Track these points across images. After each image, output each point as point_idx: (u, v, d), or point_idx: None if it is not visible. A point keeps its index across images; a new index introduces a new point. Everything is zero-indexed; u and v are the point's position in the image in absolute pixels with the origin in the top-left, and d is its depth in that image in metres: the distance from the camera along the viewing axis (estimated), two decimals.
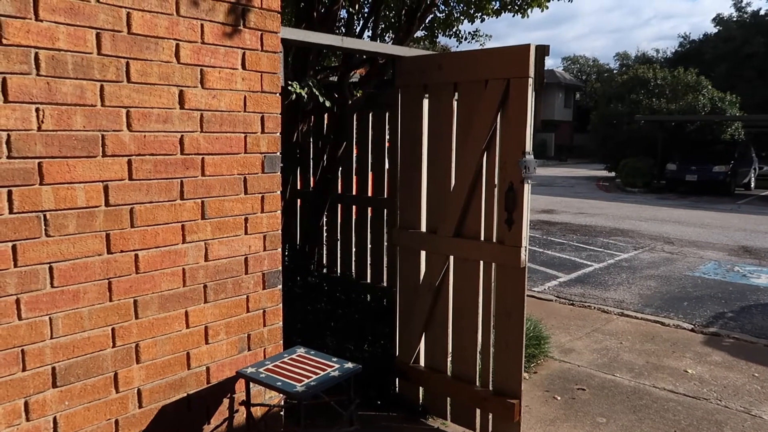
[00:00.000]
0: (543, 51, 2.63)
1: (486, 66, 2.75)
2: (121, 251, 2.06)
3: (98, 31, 1.92)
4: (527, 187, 2.69)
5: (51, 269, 1.89)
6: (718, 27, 33.55)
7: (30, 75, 1.79)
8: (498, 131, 2.76)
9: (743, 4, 33.67)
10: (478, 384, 2.95)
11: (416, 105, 3.05)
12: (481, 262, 2.88)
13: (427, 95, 3.02)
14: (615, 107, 21.16)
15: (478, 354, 2.94)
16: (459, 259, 2.95)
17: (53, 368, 1.94)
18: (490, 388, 2.90)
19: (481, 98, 2.77)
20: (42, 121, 1.83)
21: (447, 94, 2.93)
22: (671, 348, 4.40)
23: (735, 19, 32.98)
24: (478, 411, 2.95)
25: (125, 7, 1.97)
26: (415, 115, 3.06)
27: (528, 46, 2.61)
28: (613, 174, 20.96)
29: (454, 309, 3.01)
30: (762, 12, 31.98)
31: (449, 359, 3.07)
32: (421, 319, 3.10)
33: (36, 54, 1.80)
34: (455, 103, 2.92)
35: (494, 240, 2.81)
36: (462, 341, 2.98)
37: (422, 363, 3.17)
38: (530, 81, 2.62)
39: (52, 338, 1.92)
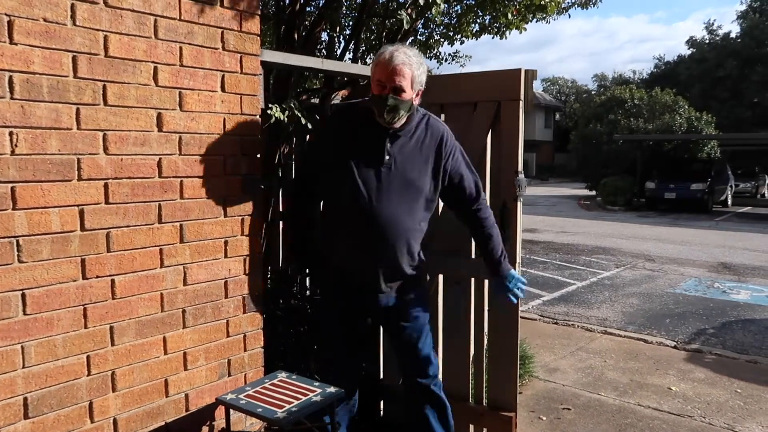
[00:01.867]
0: (532, 75, 2.71)
1: (475, 89, 2.81)
2: (97, 276, 2.01)
3: (74, 54, 1.90)
4: (519, 205, 2.74)
5: (24, 296, 1.84)
6: (691, 49, 34.50)
7: (4, 99, 1.76)
8: (488, 151, 2.80)
9: (715, 27, 34.75)
10: (471, 401, 2.93)
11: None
12: (473, 279, 2.89)
13: None
14: (594, 127, 21.53)
15: (470, 370, 2.93)
16: (450, 277, 2.95)
17: (25, 399, 1.87)
18: (484, 404, 2.90)
19: (471, 120, 2.80)
20: (16, 145, 1.80)
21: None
22: (655, 365, 4.42)
23: (708, 41, 33.96)
24: (472, 428, 2.93)
25: (102, 30, 1.96)
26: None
27: (519, 70, 2.68)
28: (593, 193, 21.24)
29: (444, 327, 3.00)
30: (733, 35, 32.98)
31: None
32: None
33: (10, 77, 1.77)
34: None
35: None
36: (454, 359, 2.97)
37: None
38: (521, 104, 2.68)
39: (24, 367, 1.86)
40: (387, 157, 2.24)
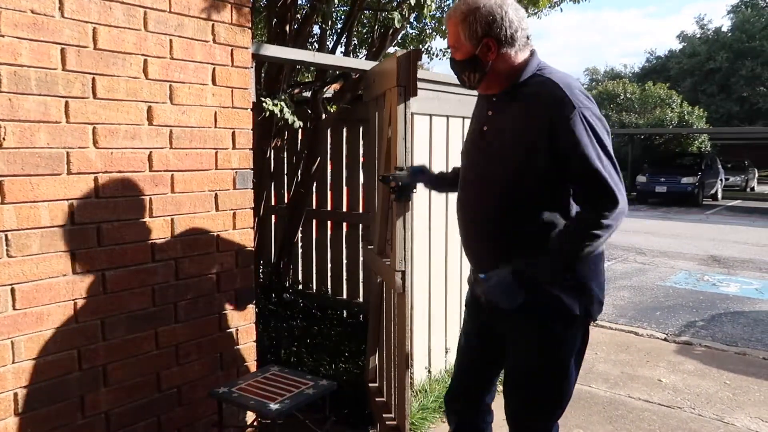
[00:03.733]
0: (414, 56, 2.36)
1: (382, 79, 2.61)
2: (88, 271, 2.00)
3: (63, 46, 1.88)
4: (401, 206, 2.37)
5: (13, 291, 1.83)
6: (682, 43, 34.64)
7: None
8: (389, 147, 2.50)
9: (705, 22, 34.94)
10: (393, 414, 2.66)
11: (373, 117, 3.02)
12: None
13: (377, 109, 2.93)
14: None
15: (393, 381, 2.63)
16: (385, 281, 2.68)
17: (15, 394, 1.86)
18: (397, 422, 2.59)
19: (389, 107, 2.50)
20: (4, 138, 1.78)
21: (381, 106, 2.76)
22: (645, 358, 4.45)
23: (698, 35, 34.10)
24: None
25: (91, 23, 1.94)
26: (373, 127, 3.02)
27: (397, 53, 2.39)
28: None
29: (385, 332, 2.80)
30: (724, 29, 33.14)
31: (384, 384, 2.88)
32: (372, 340, 3.03)
33: None
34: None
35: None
36: (389, 367, 2.73)
37: (377, 384, 3.06)
38: (396, 90, 2.35)
39: (14, 363, 1.85)
40: (485, 128, 1.79)
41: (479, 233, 1.82)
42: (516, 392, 1.88)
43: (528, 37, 1.75)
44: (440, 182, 2.28)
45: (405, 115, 2.33)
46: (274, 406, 2.09)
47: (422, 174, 2.27)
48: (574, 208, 1.72)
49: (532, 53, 1.76)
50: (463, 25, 1.71)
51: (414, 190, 2.33)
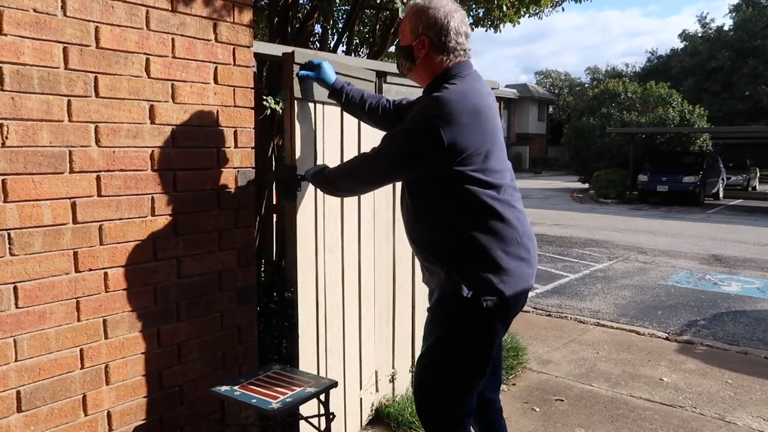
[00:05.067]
0: (289, 57, 2.44)
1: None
2: (90, 270, 2.01)
3: (65, 45, 1.89)
4: (293, 207, 2.42)
5: (15, 289, 1.83)
6: (684, 42, 34.61)
7: None
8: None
9: (707, 21, 34.90)
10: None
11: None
12: None
13: None
14: (587, 120, 21.56)
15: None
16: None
17: (18, 392, 1.87)
18: None
19: None
20: (6, 137, 1.78)
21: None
22: (647, 357, 4.45)
23: (700, 34, 34.08)
24: None
25: (93, 21, 1.95)
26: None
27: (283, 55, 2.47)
28: (586, 186, 21.32)
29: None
30: (726, 28, 33.09)
31: None
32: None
33: (0, 69, 1.75)
34: None
35: None
36: None
37: None
38: (288, 91, 2.43)
39: (16, 361, 1.86)
40: None
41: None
42: (419, 361, 2.07)
43: (465, 51, 1.95)
44: (350, 102, 2.42)
45: (291, 114, 2.40)
46: (275, 404, 2.09)
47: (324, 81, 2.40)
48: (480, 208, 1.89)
49: (457, 64, 1.93)
50: (412, 18, 1.95)
51: (299, 189, 2.35)
